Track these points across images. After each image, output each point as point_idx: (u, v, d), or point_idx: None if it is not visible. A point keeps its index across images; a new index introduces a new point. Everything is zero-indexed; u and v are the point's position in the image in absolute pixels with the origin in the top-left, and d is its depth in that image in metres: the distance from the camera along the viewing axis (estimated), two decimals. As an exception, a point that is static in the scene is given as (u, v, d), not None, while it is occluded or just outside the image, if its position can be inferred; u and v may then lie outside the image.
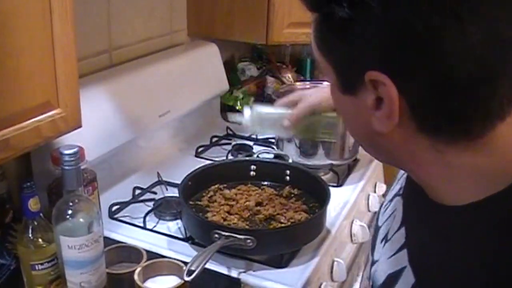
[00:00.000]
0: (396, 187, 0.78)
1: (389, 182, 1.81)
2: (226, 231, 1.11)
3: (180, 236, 1.26)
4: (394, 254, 0.66)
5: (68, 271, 0.92)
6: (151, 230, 1.28)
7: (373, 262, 0.73)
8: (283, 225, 1.22)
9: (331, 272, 1.28)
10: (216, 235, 1.12)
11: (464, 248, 0.56)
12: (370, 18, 0.51)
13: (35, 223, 0.94)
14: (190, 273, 0.95)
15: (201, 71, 1.76)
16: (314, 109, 1.19)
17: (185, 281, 0.97)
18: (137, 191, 1.42)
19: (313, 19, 0.58)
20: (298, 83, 1.72)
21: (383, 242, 0.72)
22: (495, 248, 0.53)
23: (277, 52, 2.28)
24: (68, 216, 0.90)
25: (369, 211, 1.62)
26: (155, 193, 1.43)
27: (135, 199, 1.39)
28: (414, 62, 0.51)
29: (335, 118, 1.23)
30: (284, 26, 1.77)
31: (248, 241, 1.10)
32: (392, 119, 0.54)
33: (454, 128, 0.54)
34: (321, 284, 1.21)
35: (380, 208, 0.82)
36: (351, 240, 1.45)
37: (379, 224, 0.77)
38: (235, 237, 1.10)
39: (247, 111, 1.23)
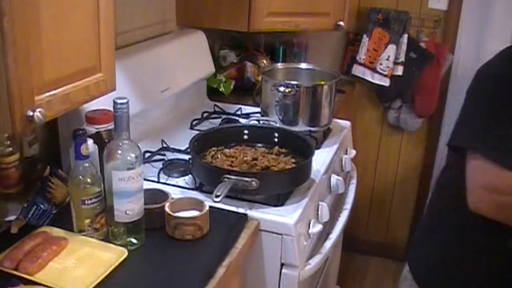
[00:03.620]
0: None
1: (357, 148, 2.09)
2: (234, 175, 1.36)
3: (189, 187, 1.50)
4: None
5: (117, 200, 1.14)
6: (165, 183, 1.51)
7: None
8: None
9: (317, 213, 1.54)
10: (226, 179, 1.36)
11: None
12: None
13: (86, 165, 1.16)
14: (217, 197, 1.18)
15: (193, 55, 2.00)
16: None
17: (207, 210, 1.22)
18: (147, 154, 1.65)
19: None
20: (279, 64, 1.99)
21: None
22: None
23: (254, 41, 2.53)
24: (118, 155, 1.12)
25: (342, 170, 1.89)
26: (163, 155, 1.66)
27: (147, 160, 1.62)
28: None
29: None
30: (264, 15, 2.03)
31: (253, 182, 1.35)
32: None
33: None
34: (310, 221, 1.47)
35: None
36: (330, 192, 1.72)
37: None
38: (242, 179, 1.35)
39: None
